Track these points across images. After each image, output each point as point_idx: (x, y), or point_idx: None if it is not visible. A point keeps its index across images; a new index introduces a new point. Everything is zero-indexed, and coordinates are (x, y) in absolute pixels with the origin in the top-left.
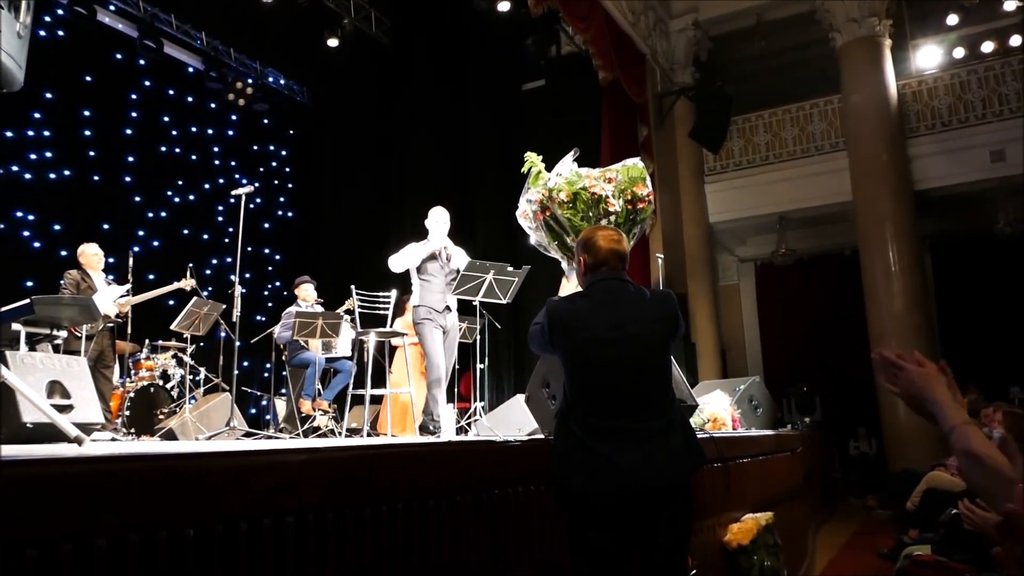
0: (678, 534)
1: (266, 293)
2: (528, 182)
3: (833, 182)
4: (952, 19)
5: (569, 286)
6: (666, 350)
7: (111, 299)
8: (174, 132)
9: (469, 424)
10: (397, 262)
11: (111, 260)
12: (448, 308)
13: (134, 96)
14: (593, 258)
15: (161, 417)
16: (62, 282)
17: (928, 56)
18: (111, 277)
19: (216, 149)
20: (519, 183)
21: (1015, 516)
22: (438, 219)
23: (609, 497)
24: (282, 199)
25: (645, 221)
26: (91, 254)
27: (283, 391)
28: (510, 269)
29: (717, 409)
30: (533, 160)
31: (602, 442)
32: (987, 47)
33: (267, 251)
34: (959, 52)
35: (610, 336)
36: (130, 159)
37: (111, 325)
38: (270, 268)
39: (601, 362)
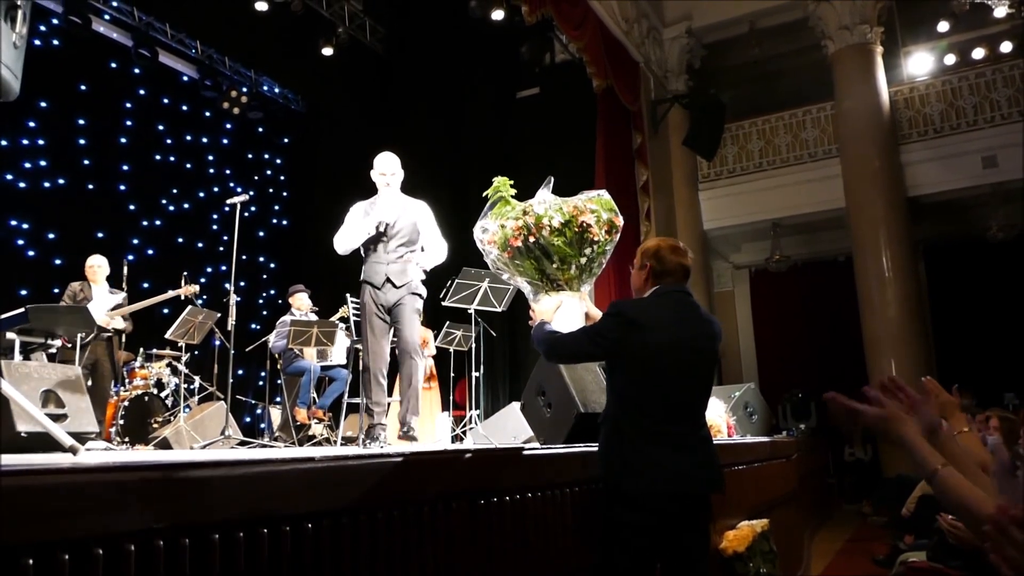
0: (704, 540)
1: (261, 301)
2: (490, 207)
3: (826, 188)
4: (943, 26)
5: (543, 309)
6: (716, 366)
7: (104, 308)
8: (169, 140)
9: (465, 432)
10: (340, 243)
11: None
12: (390, 282)
13: (129, 105)
14: (662, 267)
15: (155, 426)
16: (64, 294)
17: (920, 63)
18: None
19: (211, 157)
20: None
21: (999, 522)
22: (384, 170)
23: (662, 500)
24: (277, 207)
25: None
26: (94, 266)
27: (278, 399)
28: (505, 277)
29: (712, 416)
30: (500, 186)
31: (657, 446)
32: (978, 54)
33: (262, 259)
34: (950, 59)
35: (682, 345)
36: (125, 167)
37: (107, 335)
38: (265, 276)
39: (670, 369)
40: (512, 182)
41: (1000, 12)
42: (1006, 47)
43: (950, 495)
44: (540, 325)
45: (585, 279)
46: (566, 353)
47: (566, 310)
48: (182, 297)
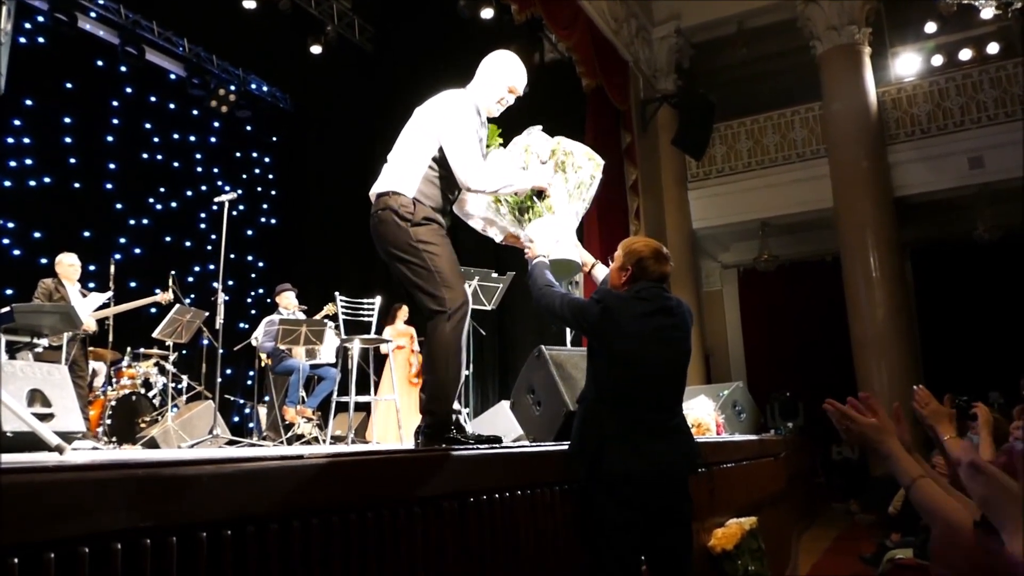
0: (687, 534)
1: (249, 300)
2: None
3: (814, 189)
4: (930, 27)
5: (539, 236)
6: (689, 356)
7: (91, 309)
8: (156, 139)
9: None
10: (488, 178)
11: (92, 268)
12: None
13: (116, 103)
14: (643, 275)
15: (143, 426)
16: (36, 291)
17: (907, 64)
18: (92, 285)
19: (199, 156)
20: None
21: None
22: (521, 87)
23: (640, 483)
24: (265, 206)
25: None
26: (68, 264)
27: (266, 398)
28: (495, 275)
29: (701, 414)
30: (490, 135)
31: (635, 432)
32: (965, 55)
33: (250, 258)
34: (937, 60)
35: (660, 337)
36: (112, 166)
37: (82, 336)
38: (253, 275)
39: (649, 360)
40: (500, 131)
41: (987, 14)
42: (993, 48)
43: (926, 503)
44: (538, 265)
45: (574, 200)
46: (551, 312)
47: (558, 230)
48: (164, 303)
